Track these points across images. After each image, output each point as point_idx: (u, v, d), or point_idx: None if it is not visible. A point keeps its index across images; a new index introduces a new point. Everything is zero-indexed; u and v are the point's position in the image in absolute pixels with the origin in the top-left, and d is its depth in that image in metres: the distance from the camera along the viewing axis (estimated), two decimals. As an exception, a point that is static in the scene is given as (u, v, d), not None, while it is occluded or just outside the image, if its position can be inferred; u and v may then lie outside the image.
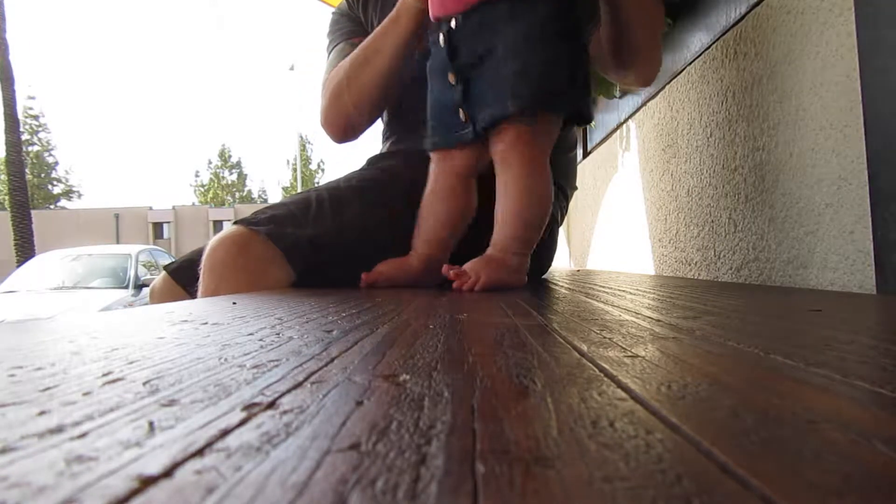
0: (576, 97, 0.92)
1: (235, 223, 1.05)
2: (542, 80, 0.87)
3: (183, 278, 1.11)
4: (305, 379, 0.25)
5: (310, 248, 1.02)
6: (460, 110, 0.91)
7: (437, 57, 0.95)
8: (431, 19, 0.96)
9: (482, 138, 0.91)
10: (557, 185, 1.23)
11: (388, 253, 1.00)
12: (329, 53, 1.28)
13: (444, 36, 0.92)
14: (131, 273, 6.16)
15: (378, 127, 1.35)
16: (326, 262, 1.03)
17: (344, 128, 1.21)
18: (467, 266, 0.88)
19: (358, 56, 1.13)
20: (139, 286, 5.97)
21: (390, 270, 0.98)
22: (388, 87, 1.14)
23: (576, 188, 1.37)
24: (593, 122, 2.18)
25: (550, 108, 0.90)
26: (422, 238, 0.99)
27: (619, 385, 0.23)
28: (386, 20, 1.09)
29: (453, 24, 0.91)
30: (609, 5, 1.00)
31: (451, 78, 0.92)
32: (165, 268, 1.18)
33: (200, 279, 1.01)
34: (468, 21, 0.90)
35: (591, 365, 0.27)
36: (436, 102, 0.97)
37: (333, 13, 1.33)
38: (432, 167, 0.99)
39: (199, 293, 1.01)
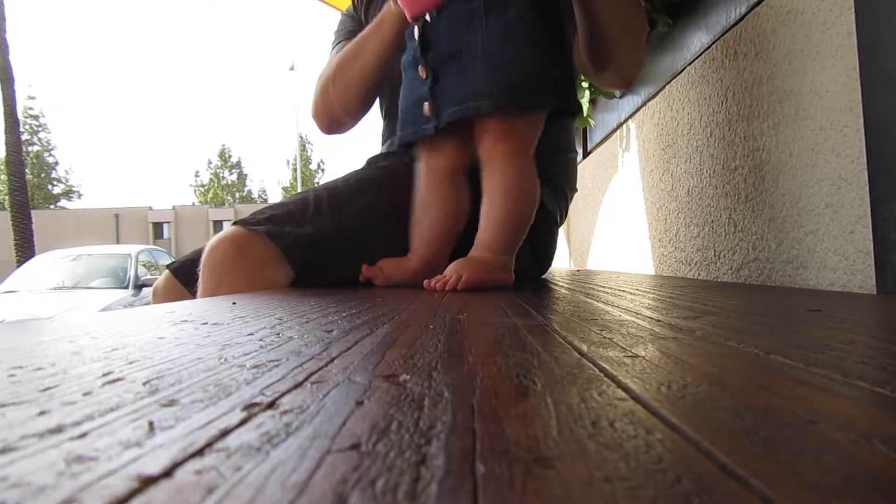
0: (556, 92, 0.90)
1: (234, 224, 1.05)
2: (518, 78, 0.86)
3: (185, 277, 1.12)
4: (305, 379, 0.25)
5: (309, 248, 1.02)
6: (426, 104, 0.91)
7: (410, 50, 0.95)
8: (409, 20, 0.95)
9: (443, 133, 0.90)
10: (556, 185, 1.22)
11: (387, 251, 1.00)
12: (332, 51, 1.30)
13: (418, 29, 0.92)
14: (131, 273, 6.15)
15: (379, 128, 1.36)
16: (325, 262, 1.03)
17: (329, 121, 1.24)
18: (449, 268, 0.87)
19: (345, 55, 1.15)
20: (139, 286, 5.96)
21: (390, 269, 0.98)
22: (371, 87, 1.16)
23: (576, 190, 1.36)
24: (592, 122, 2.18)
25: (527, 106, 0.88)
26: (417, 240, 0.98)
27: (619, 385, 0.23)
28: (372, 23, 1.10)
29: (428, 17, 0.91)
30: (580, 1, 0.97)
31: (422, 71, 0.92)
32: (168, 267, 1.18)
33: (199, 280, 1.01)
34: (443, 16, 0.90)
35: (591, 365, 0.27)
36: (405, 96, 0.97)
37: (342, 14, 1.36)
38: (419, 166, 0.98)
39: (198, 294, 1.01)
